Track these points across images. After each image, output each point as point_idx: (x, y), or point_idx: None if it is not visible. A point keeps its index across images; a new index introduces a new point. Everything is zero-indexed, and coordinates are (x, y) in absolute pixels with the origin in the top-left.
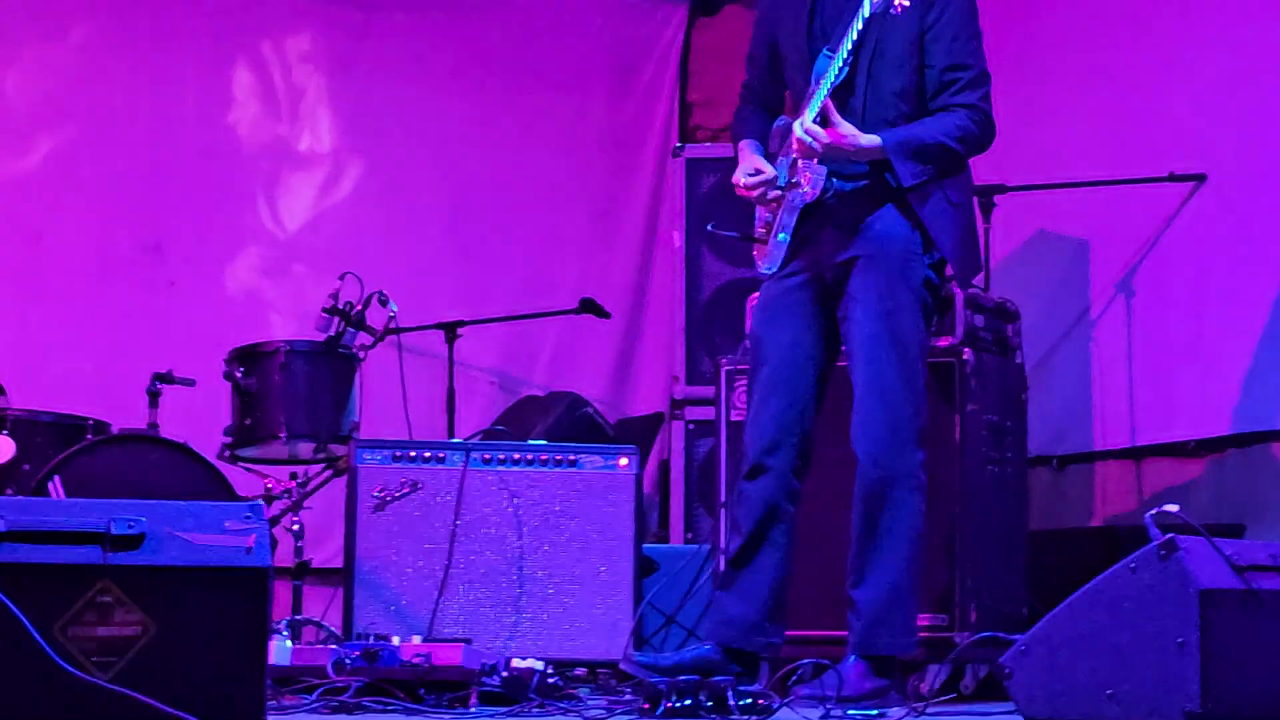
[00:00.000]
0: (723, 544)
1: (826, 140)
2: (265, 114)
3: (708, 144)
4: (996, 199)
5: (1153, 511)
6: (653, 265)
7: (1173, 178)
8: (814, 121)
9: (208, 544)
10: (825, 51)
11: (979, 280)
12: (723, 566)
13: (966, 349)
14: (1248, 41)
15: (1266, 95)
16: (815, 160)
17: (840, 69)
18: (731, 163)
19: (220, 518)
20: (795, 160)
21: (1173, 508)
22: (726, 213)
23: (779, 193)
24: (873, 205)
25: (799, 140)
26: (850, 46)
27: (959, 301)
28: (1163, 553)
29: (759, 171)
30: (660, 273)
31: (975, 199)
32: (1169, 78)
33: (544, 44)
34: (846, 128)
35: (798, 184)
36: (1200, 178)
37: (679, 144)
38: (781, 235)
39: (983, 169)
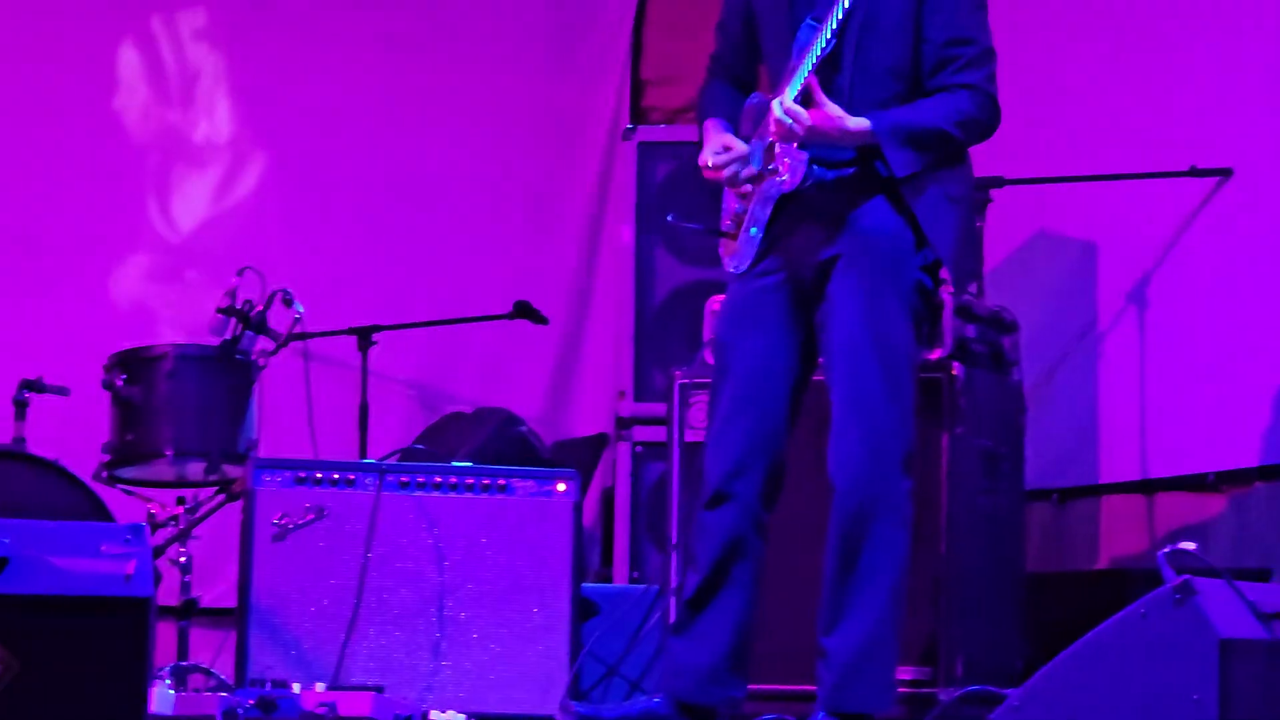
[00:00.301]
0: (674, 583)
1: (809, 122)
2: (155, 99)
3: (663, 126)
4: (993, 193)
5: (1167, 550)
6: (598, 264)
7: (1194, 172)
8: (795, 100)
9: (81, 570)
10: (810, 20)
11: (972, 286)
12: (675, 609)
13: (956, 363)
14: None
15: None
16: (795, 145)
17: (828, 41)
18: (690, 147)
19: (96, 541)
20: (772, 144)
21: (1190, 546)
22: (683, 205)
23: (753, 172)
24: (860, 197)
25: (777, 121)
26: (840, 16)
27: (948, 309)
28: (1178, 597)
29: (728, 149)
30: (606, 273)
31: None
32: (1192, 59)
33: (475, 12)
34: (832, 108)
35: (774, 171)
36: (1226, 172)
37: (629, 125)
38: (753, 229)
39: (977, 159)
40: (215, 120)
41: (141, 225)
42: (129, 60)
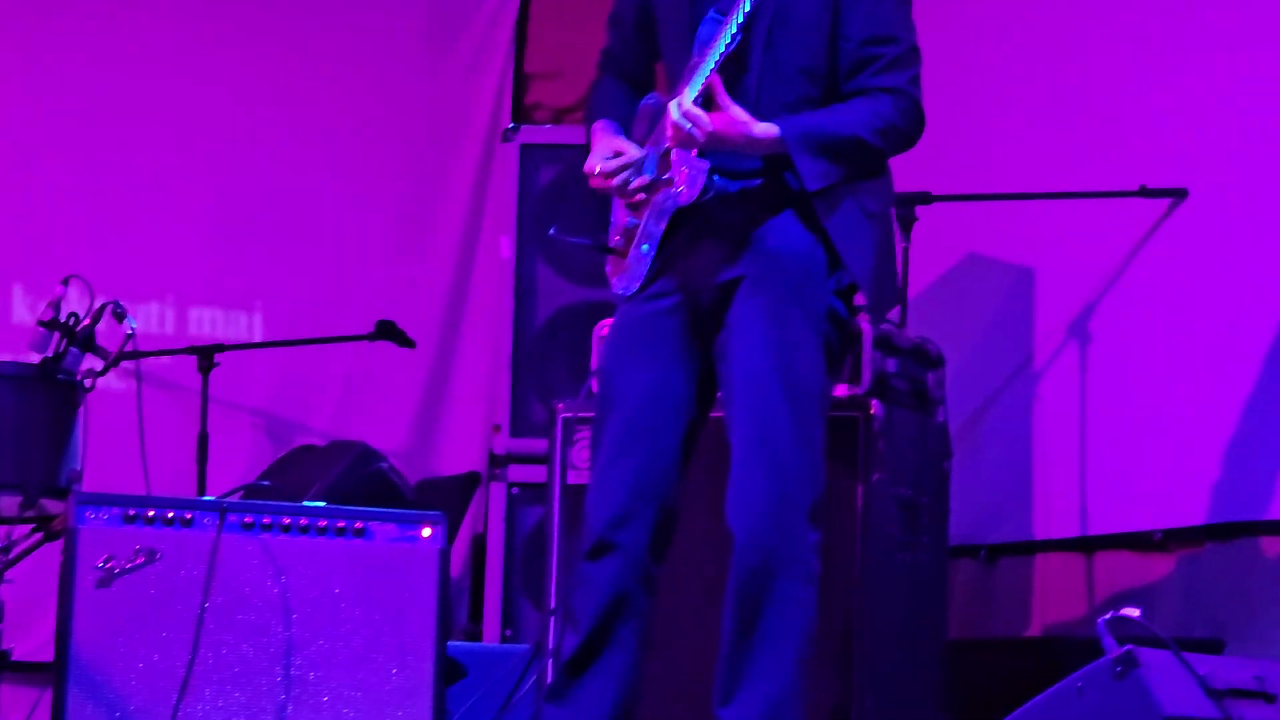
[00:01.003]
0: (552, 643)
1: (710, 127)
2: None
3: (548, 126)
4: (919, 211)
5: (1107, 616)
6: (472, 281)
7: (1144, 192)
8: (695, 103)
9: None
10: (713, 14)
11: (894, 314)
12: (552, 672)
13: (874, 401)
14: (1240, 32)
15: (1263, 94)
16: (694, 152)
17: (733, 37)
18: (579, 151)
19: None
20: (668, 151)
21: (1133, 612)
22: (571, 215)
23: (646, 181)
24: (766, 212)
25: (675, 126)
26: (747, 9)
27: (866, 340)
28: (1119, 669)
29: (619, 154)
30: (482, 290)
31: (894, 210)
32: (1143, 71)
33: None
34: (737, 112)
35: (669, 181)
36: (1180, 193)
37: (512, 125)
38: (645, 246)
39: (902, 173)
40: (41, 109)
41: None
42: None
